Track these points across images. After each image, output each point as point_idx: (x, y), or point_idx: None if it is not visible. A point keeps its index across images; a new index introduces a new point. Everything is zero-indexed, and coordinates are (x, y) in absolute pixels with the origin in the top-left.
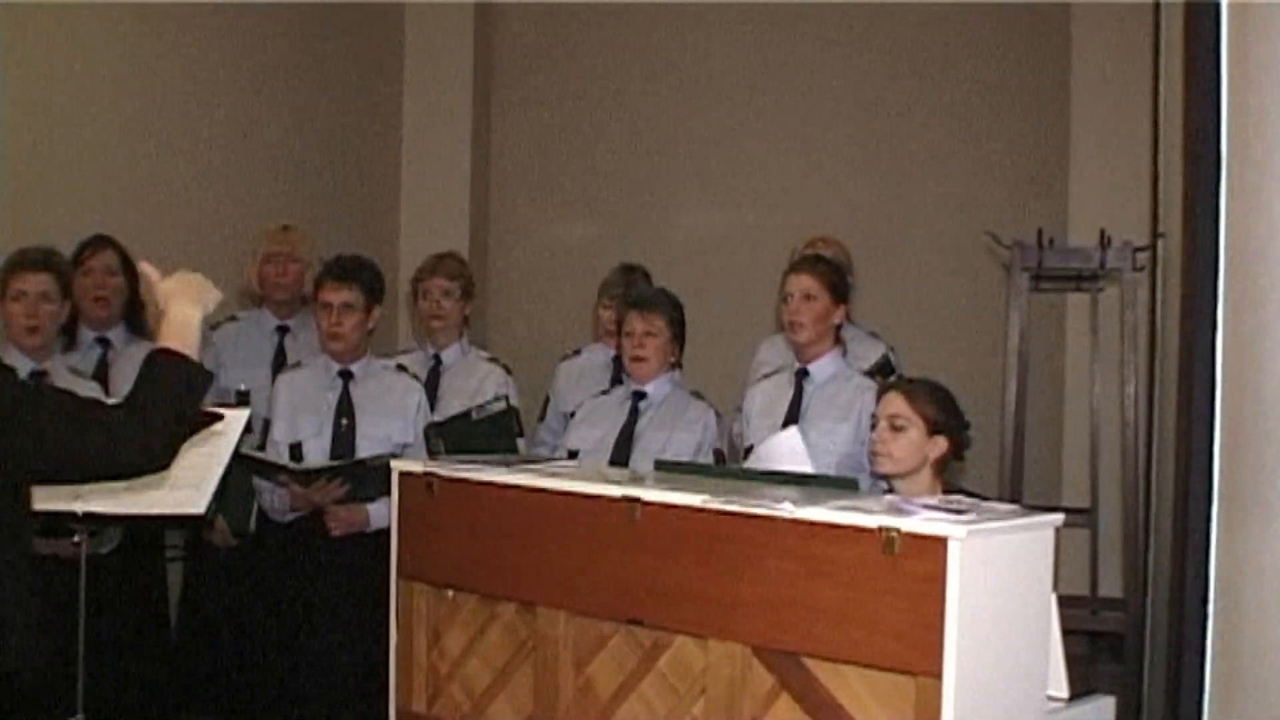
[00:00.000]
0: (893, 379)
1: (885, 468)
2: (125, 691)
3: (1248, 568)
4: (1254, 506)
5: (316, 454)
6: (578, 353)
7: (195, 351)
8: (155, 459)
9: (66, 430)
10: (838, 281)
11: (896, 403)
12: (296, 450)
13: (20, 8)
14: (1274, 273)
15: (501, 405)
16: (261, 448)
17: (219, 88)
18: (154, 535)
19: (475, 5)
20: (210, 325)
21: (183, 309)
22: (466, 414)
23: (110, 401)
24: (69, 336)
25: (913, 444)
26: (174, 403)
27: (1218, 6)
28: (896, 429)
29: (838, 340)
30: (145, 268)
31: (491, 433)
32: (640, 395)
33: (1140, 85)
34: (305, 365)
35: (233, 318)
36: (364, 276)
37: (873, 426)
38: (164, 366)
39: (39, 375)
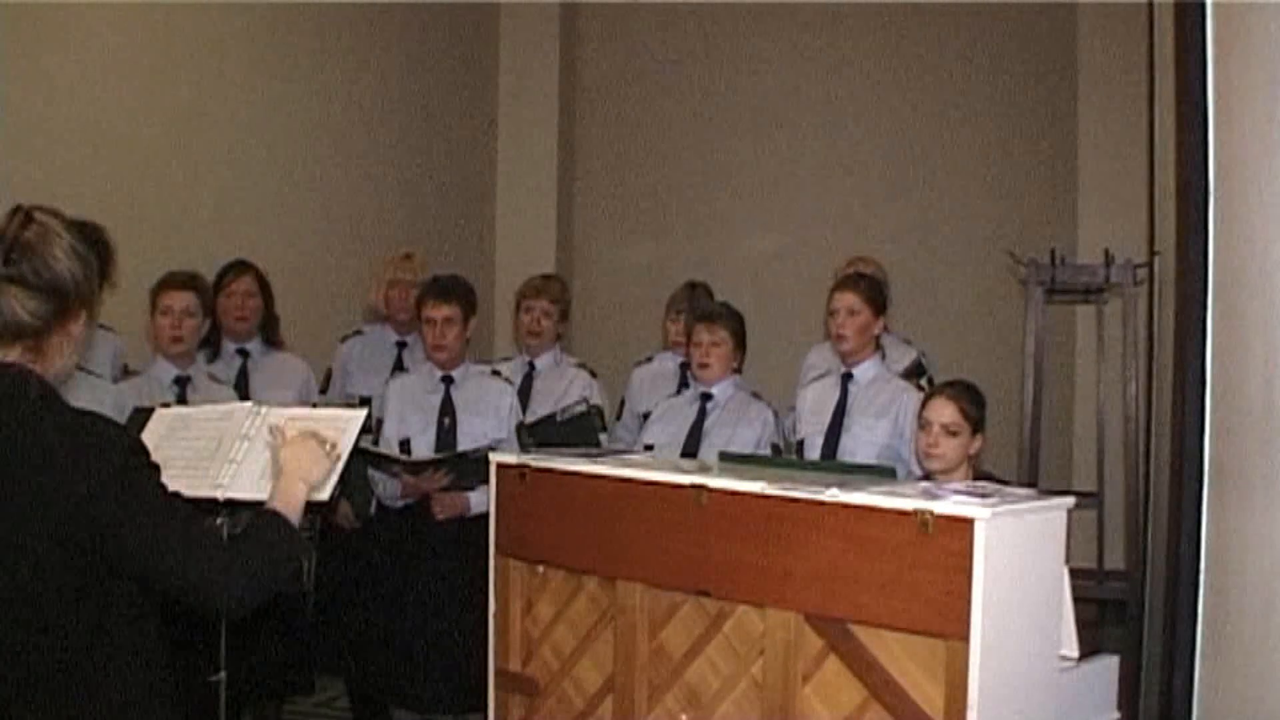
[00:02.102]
0: (924, 380)
1: (937, 466)
2: (264, 653)
3: (1233, 541)
4: (1238, 489)
5: (423, 449)
6: (650, 359)
7: (296, 520)
8: (241, 604)
9: (168, 529)
10: (877, 297)
11: (949, 411)
12: (405, 446)
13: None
14: (1254, 286)
15: (583, 408)
16: (375, 444)
17: (343, 133)
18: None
19: (560, 60)
20: (341, 338)
21: (293, 483)
22: (552, 416)
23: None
24: (213, 348)
25: (962, 446)
26: (273, 560)
27: (1204, 54)
28: (952, 435)
29: (878, 347)
30: (269, 439)
31: (574, 432)
32: (707, 397)
33: (1139, 121)
34: (412, 371)
35: (358, 332)
36: (462, 294)
37: (921, 427)
38: (272, 525)
39: (183, 381)
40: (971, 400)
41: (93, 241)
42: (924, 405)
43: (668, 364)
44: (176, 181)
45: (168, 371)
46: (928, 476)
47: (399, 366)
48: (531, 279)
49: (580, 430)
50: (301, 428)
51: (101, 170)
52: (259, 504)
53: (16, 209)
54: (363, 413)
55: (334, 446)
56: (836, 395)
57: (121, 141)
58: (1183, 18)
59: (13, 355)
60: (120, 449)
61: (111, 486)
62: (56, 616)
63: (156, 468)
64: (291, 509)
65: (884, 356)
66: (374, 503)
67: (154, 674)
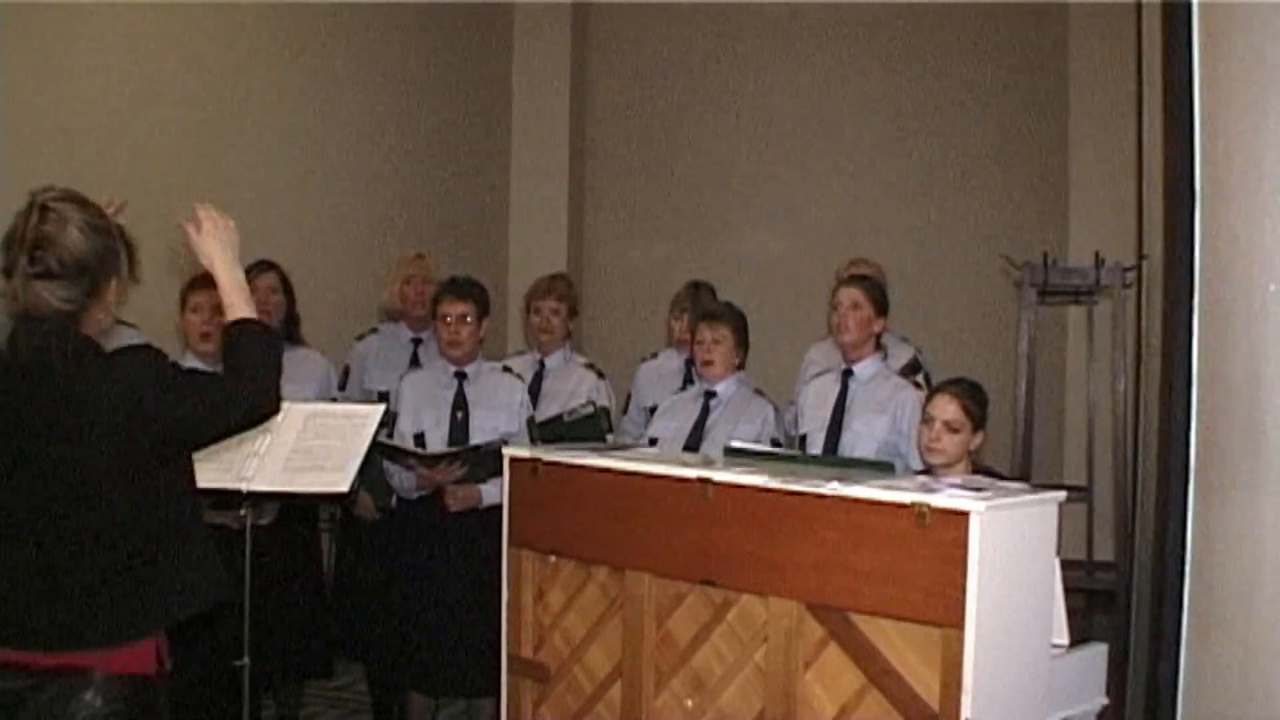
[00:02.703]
0: (920, 376)
1: (938, 461)
2: (285, 640)
3: (1218, 534)
4: (1223, 483)
5: (436, 443)
6: (654, 356)
7: (252, 305)
8: (268, 406)
9: (212, 396)
10: (879, 296)
11: (952, 408)
12: (419, 439)
13: (192, 63)
14: (1239, 288)
15: (590, 409)
16: (390, 437)
17: (361, 138)
18: (307, 510)
19: (571, 69)
20: (356, 337)
21: (230, 270)
22: (559, 417)
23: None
24: None
25: (963, 443)
26: (266, 362)
27: (1190, 60)
28: (954, 431)
29: (878, 346)
30: (187, 227)
31: (581, 432)
32: (711, 393)
33: (1128, 128)
34: (427, 367)
35: (374, 330)
36: (476, 293)
37: (924, 422)
38: (248, 335)
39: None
40: (974, 398)
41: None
42: (928, 401)
43: (672, 360)
44: (200, 184)
45: (197, 367)
46: (928, 470)
47: (414, 363)
48: (539, 280)
49: (586, 430)
50: (203, 211)
51: (126, 172)
52: (277, 494)
53: (30, 203)
54: (380, 408)
55: (226, 222)
56: (837, 391)
57: (146, 144)
58: (1169, 24)
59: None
60: (157, 358)
61: (156, 381)
62: (111, 495)
63: (175, 364)
64: (246, 299)
65: (885, 356)
66: (393, 494)
67: (191, 535)
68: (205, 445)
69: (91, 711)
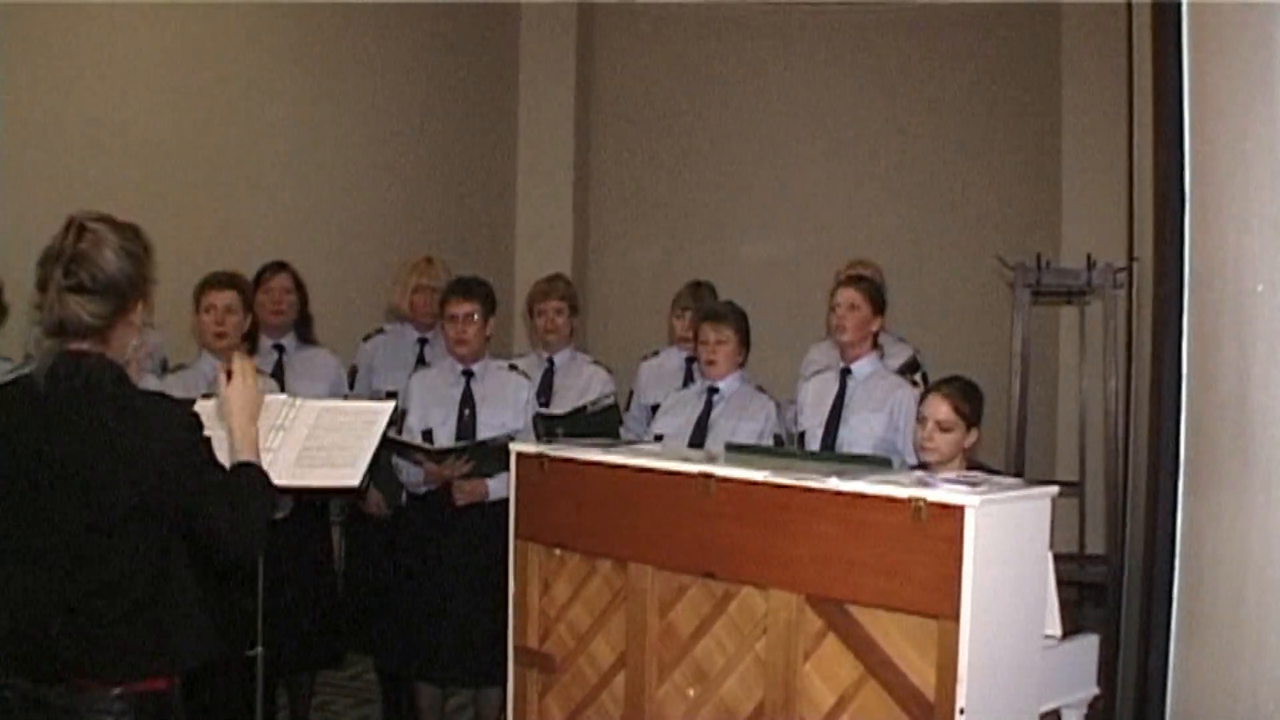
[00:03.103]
0: (918, 376)
1: (931, 459)
2: (297, 631)
3: (1206, 528)
4: (1211, 479)
5: (444, 439)
6: (656, 354)
7: (256, 449)
8: (250, 545)
9: (218, 496)
10: (877, 296)
11: (944, 409)
12: (428, 436)
13: (212, 80)
14: (1226, 289)
15: (610, 401)
16: (399, 434)
17: (370, 142)
18: (320, 505)
19: (577, 76)
20: (363, 337)
21: (247, 426)
22: (583, 408)
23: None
24: (251, 342)
25: (956, 441)
26: (261, 502)
27: (1180, 67)
28: (945, 430)
29: (875, 345)
30: (220, 372)
31: (601, 423)
32: (714, 390)
33: (1119, 133)
34: (434, 365)
35: (380, 330)
36: (482, 293)
37: (918, 421)
38: (249, 475)
39: (228, 375)
40: (966, 397)
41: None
42: (921, 401)
43: (673, 358)
44: (214, 188)
45: (212, 365)
46: (923, 467)
47: (420, 362)
48: (538, 283)
49: (607, 421)
50: (238, 365)
51: (143, 175)
52: (290, 489)
53: (69, 222)
54: (391, 405)
55: (257, 379)
56: (836, 389)
57: (158, 147)
58: (1159, 28)
59: (84, 345)
60: (180, 423)
61: (172, 454)
62: (123, 544)
63: (208, 440)
64: (253, 450)
65: (882, 355)
66: (402, 490)
67: (188, 592)
68: (174, 526)
69: (109, 716)
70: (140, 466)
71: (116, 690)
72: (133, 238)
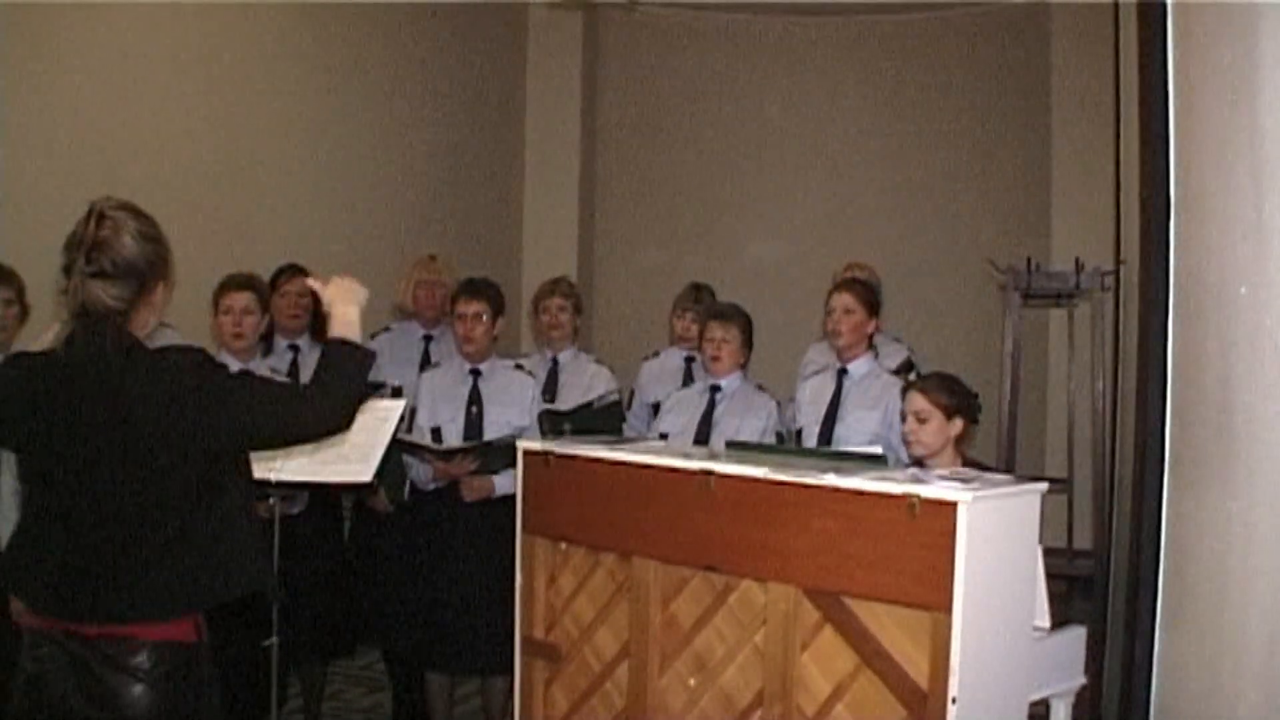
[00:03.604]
0: (912, 376)
1: (918, 452)
2: (311, 621)
3: (1190, 524)
4: (1195, 476)
5: (452, 436)
6: (657, 354)
7: (359, 338)
8: (339, 421)
9: (272, 404)
10: (871, 299)
11: (918, 400)
12: (436, 433)
13: (225, 83)
14: (1210, 292)
15: (615, 398)
16: (409, 431)
17: (383, 148)
18: (333, 500)
19: (582, 84)
20: (370, 334)
21: (345, 308)
22: (589, 404)
23: (302, 383)
24: (266, 343)
25: (936, 430)
26: (350, 378)
27: (1165, 75)
28: (922, 421)
29: (870, 345)
30: (311, 283)
31: (606, 419)
32: (716, 389)
33: (1107, 141)
34: (443, 365)
35: (387, 328)
36: (490, 293)
37: (903, 419)
38: (339, 351)
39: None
40: (940, 388)
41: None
42: (902, 399)
43: (673, 358)
44: (231, 191)
45: (230, 365)
46: (919, 463)
47: (425, 358)
48: (543, 283)
49: (610, 417)
50: (336, 278)
51: (161, 179)
52: (305, 484)
53: (91, 210)
54: (402, 403)
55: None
56: (832, 388)
57: (181, 153)
58: (1144, 37)
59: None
60: (208, 361)
61: (213, 386)
62: (153, 484)
63: (223, 368)
64: (352, 331)
65: (876, 354)
66: (407, 487)
67: (236, 523)
68: (275, 446)
69: (143, 672)
70: (182, 402)
71: (147, 642)
72: (151, 224)
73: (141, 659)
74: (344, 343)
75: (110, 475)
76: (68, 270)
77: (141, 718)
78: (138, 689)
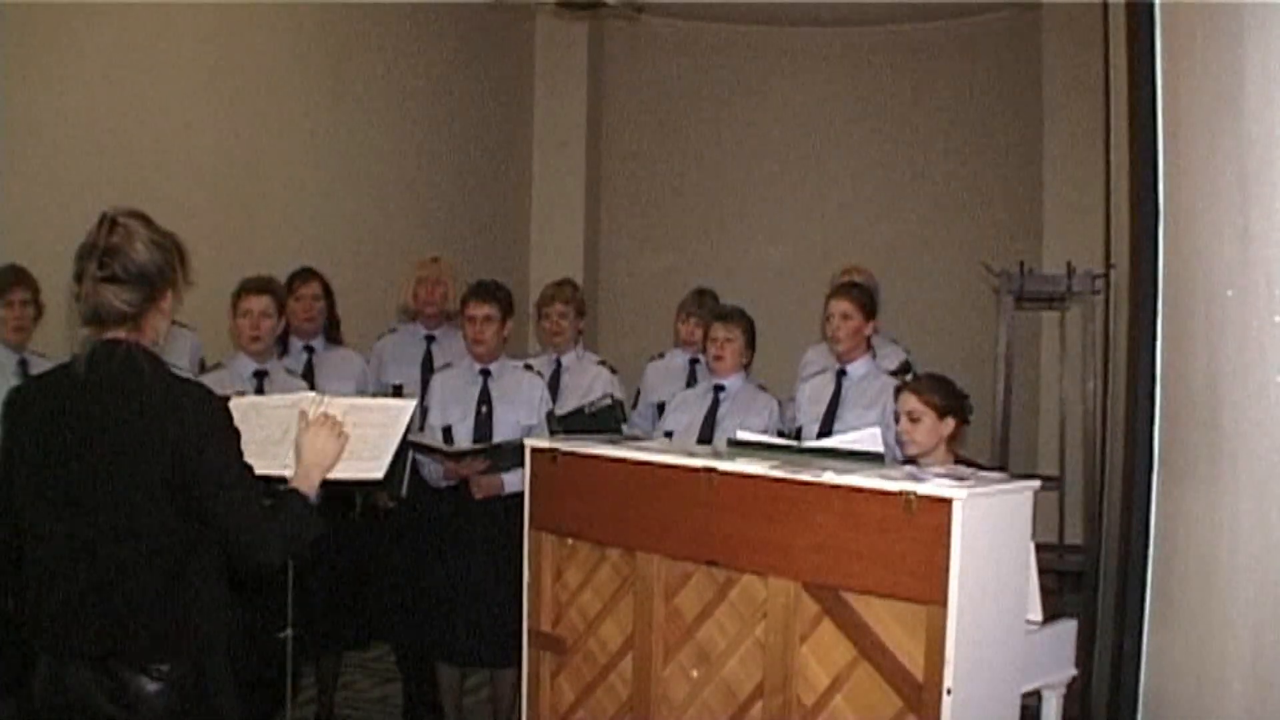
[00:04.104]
0: (908, 378)
1: (911, 450)
2: (325, 614)
3: (1178, 520)
4: (1183, 473)
5: (463, 435)
6: (661, 356)
7: (312, 495)
8: (272, 555)
9: (241, 489)
10: (868, 303)
11: (910, 401)
12: (448, 432)
13: (241, 88)
14: (1198, 295)
15: (608, 401)
16: (421, 430)
17: (395, 155)
18: (344, 495)
19: (588, 94)
20: (376, 336)
21: (311, 467)
22: (581, 409)
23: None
24: (282, 344)
25: (929, 429)
26: (296, 527)
27: (1154, 88)
28: (915, 421)
29: (869, 347)
30: (306, 408)
31: (600, 422)
32: (720, 389)
33: (1097, 148)
34: (454, 366)
35: (393, 329)
36: (500, 296)
37: (896, 420)
38: (294, 501)
39: (261, 374)
40: (933, 389)
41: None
42: (895, 399)
43: (678, 360)
44: (246, 198)
45: (248, 366)
46: (912, 461)
47: (428, 359)
48: (546, 287)
49: (605, 421)
50: (319, 413)
51: (179, 185)
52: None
53: (103, 218)
54: (413, 403)
55: (342, 431)
56: (832, 389)
57: (198, 161)
58: (1133, 56)
59: (120, 333)
60: (211, 409)
61: (199, 436)
62: (151, 522)
63: (237, 432)
64: (311, 490)
65: (874, 355)
66: (404, 484)
67: (215, 583)
68: (210, 520)
69: (161, 673)
70: (172, 442)
71: (159, 668)
72: (162, 233)
73: (160, 661)
74: (300, 495)
75: (113, 508)
76: (79, 277)
77: (160, 716)
78: (156, 688)
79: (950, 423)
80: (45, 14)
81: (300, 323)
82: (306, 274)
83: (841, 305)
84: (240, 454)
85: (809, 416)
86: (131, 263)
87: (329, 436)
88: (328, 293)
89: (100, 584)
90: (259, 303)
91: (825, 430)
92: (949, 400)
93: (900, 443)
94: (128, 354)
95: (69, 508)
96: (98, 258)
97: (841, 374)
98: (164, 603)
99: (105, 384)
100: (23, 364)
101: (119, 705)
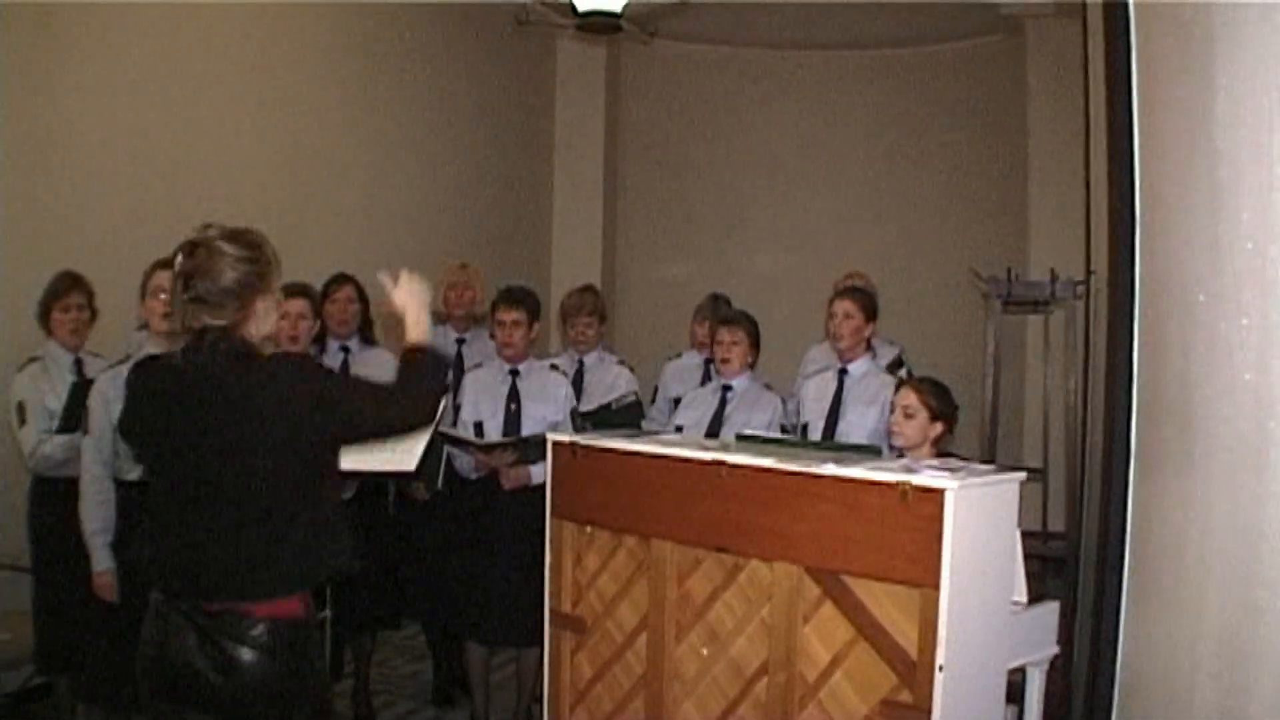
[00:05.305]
0: (902, 373)
1: (898, 442)
2: (361, 596)
3: (1153, 509)
4: (1158, 464)
5: (493, 430)
6: (678, 356)
7: (429, 339)
8: (421, 418)
9: (367, 405)
10: (870, 305)
11: (909, 397)
12: (479, 427)
13: (286, 102)
14: (1172, 300)
15: (632, 398)
16: (454, 425)
17: (428, 169)
18: (379, 486)
19: (605, 113)
20: None
21: (417, 314)
22: (608, 405)
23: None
24: (319, 345)
25: (919, 427)
26: (429, 379)
27: (1131, 109)
28: (908, 416)
29: (869, 348)
30: (382, 279)
31: (625, 417)
32: (727, 388)
33: (1077, 165)
34: (485, 366)
35: None
36: (528, 301)
37: (891, 412)
38: (418, 356)
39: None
40: (931, 392)
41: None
42: (895, 393)
43: (693, 360)
44: (283, 204)
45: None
46: (902, 454)
47: (458, 358)
48: (571, 296)
49: (629, 417)
50: (406, 276)
51: (217, 191)
52: (355, 473)
53: (184, 243)
54: (443, 399)
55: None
56: (834, 387)
57: (236, 168)
58: (1112, 73)
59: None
60: (311, 367)
61: (315, 390)
62: (266, 479)
63: (332, 371)
64: (424, 335)
65: (874, 355)
66: (441, 477)
67: (333, 514)
68: (366, 441)
69: (259, 642)
70: (288, 403)
71: (262, 615)
72: (248, 244)
73: (258, 630)
74: (421, 349)
75: (228, 470)
76: (172, 296)
77: (256, 682)
78: (253, 656)
79: (939, 426)
80: (88, 24)
81: (336, 325)
82: (341, 279)
83: (845, 306)
84: (345, 381)
85: (814, 413)
86: (215, 284)
87: (414, 281)
88: (361, 296)
89: (225, 532)
90: (296, 305)
91: (830, 426)
92: (943, 406)
93: (889, 434)
94: (222, 341)
95: (192, 471)
96: (184, 281)
97: (843, 373)
98: (277, 550)
99: (206, 366)
100: (78, 363)
101: (219, 672)
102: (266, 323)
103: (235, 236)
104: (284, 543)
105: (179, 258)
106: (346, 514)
